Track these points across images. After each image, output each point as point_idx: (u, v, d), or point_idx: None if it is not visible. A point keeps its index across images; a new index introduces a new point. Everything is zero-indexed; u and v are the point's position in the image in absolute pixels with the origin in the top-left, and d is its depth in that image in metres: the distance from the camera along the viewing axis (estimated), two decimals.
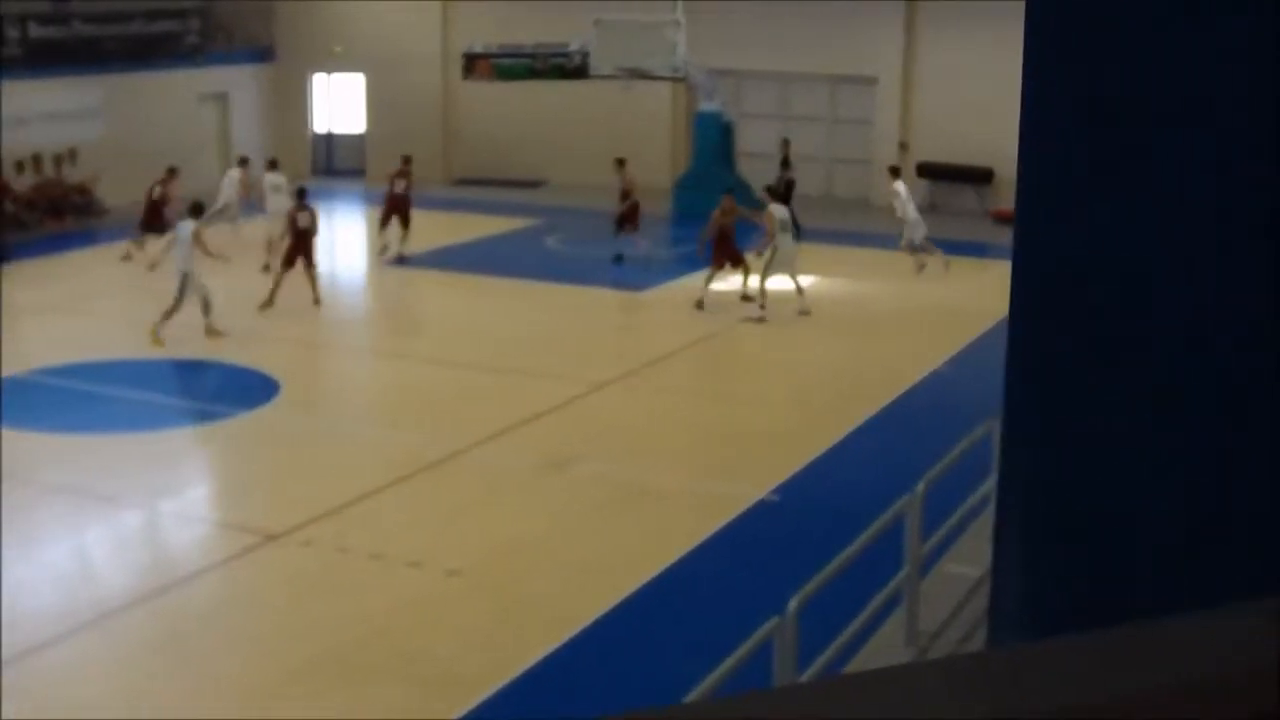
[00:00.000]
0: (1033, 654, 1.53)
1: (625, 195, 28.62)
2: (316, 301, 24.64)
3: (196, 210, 23.23)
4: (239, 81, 38.54)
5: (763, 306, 23.86)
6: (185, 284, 22.21)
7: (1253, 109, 2.82)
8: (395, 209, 28.74)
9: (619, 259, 28.46)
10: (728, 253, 25.08)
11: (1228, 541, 2.97)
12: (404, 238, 28.53)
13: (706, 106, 33.90)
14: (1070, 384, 3.17)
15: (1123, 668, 1.40)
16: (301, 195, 25.40)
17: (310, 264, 24.60)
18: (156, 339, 21.95)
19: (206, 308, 22.27)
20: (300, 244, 24.52)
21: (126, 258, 28.00)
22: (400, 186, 28.90)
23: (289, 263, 24.37)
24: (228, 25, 38.48)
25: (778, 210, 24.52)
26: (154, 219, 27.76)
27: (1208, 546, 2.99)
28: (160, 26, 35.91)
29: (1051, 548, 3.26)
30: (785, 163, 31.67)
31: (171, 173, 28.91)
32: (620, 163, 29.15)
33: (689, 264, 28.31)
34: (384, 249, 28.79)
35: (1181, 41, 2.87)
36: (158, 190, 28.09)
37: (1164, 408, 3.00)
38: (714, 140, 33.51)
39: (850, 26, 34.85)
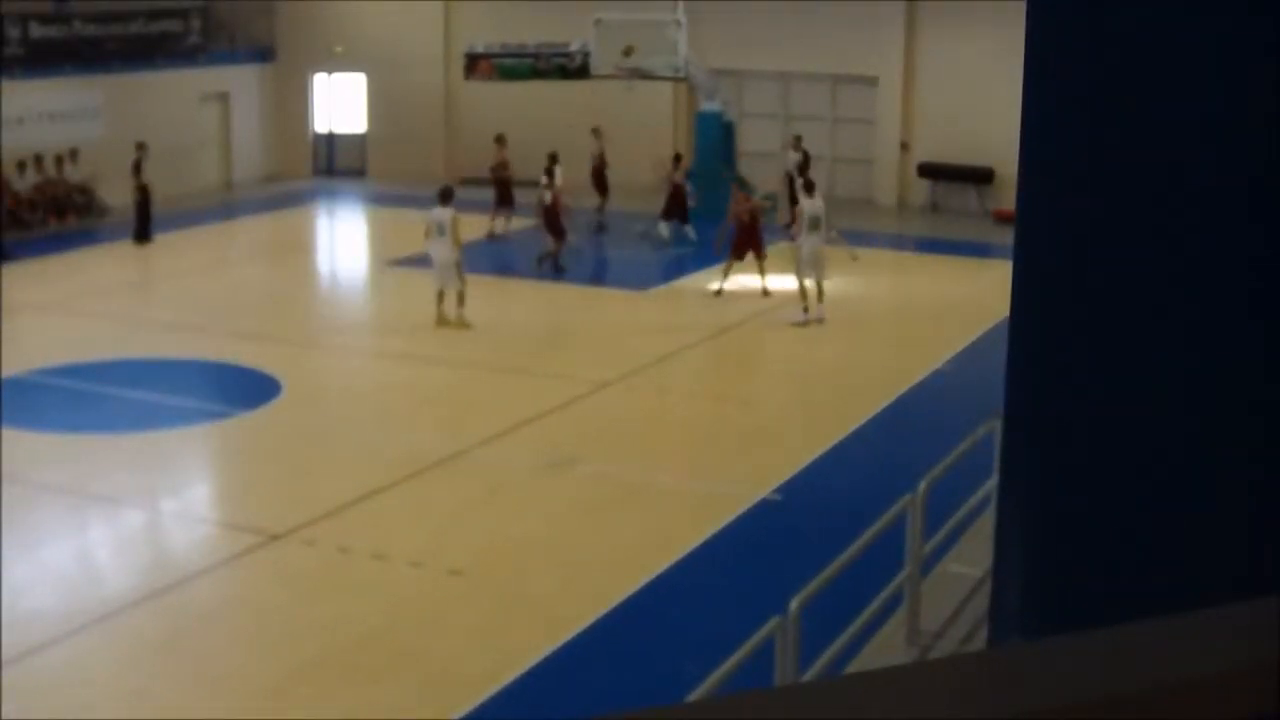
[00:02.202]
0: (1034, 653, 1.53)
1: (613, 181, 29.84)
2: (559, 269, 27.22)
3: (447, 196, 23.75)
4: (240, 81, 38.53)
5: (806, 309, 23.60)
6: (459, 267, 23.20)
7: (1253, 109, 2.82)
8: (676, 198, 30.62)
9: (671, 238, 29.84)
10: (751, 244, 25.18)
11: (1228, 540, 2.98)
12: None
13: (707, 106, 33.88)
14: (1071, 384, 3.18)
15: (1123, 666, 1.40)
16: (550, 173, 27.82)
17: (556, 235, 27.24)
18: (463, 324, 23.03)
19: (441, 297, 23.20)
20: (547, 216, 27.16)
21: (491, 235, 30.38)
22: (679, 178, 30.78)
23: (556, 235, 27.21)
24: (229, 25, 38.46)
25: (808, 206, 24.21)
26: (505, 192, 29.90)
27: (1208, 545, 2.99)
28: (161, 26, 35.88)
29: (1052, 548, 3.27)
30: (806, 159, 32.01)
31: (500, 141, 30.84)
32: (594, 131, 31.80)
33: (691, 263, 28.34)
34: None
35: (1183, 41, 2.88)
36: (497, 160, 30.60)
37: (1165, 407, 3.00)
38: (715, 140, 33.50)
39: (851, 26, 34.83)
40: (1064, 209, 3.16)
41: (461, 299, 23.00)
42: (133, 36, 35.01)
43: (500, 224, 30.57)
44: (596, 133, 32.90)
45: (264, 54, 39.47)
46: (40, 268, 27.91)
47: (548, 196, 27.36)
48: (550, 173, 28.16)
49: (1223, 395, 2.95)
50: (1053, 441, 3.24)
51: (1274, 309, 2.85)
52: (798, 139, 32.59)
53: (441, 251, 22.97)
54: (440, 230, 22.98)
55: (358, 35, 39.16)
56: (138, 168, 30.12)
